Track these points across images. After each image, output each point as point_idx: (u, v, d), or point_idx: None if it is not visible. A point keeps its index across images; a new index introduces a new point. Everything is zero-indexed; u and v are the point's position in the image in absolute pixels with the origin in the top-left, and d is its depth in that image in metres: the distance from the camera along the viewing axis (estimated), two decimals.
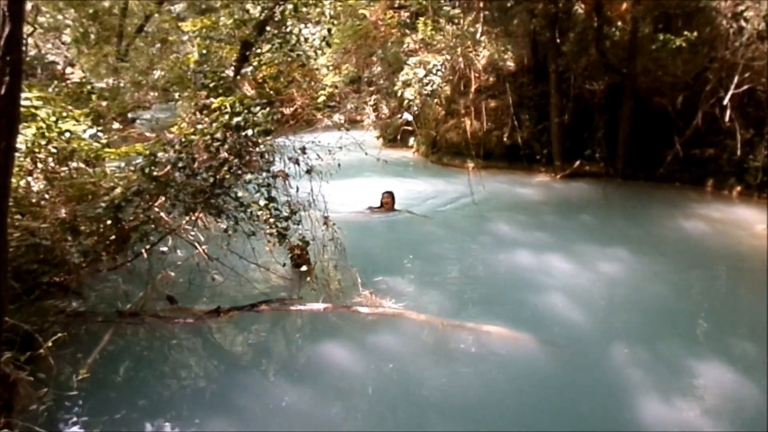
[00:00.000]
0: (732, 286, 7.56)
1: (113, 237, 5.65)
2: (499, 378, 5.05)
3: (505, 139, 13.93)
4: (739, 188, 11.56)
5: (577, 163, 13.23)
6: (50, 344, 4.11)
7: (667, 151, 12.28)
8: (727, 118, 11.13)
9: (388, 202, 10.27)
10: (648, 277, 7.39)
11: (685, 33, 10.81)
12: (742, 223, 9.74)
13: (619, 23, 13.38)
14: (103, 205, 5.41)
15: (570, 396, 4.82)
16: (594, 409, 4.64)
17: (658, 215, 10.35)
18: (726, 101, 10.91)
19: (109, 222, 5.44)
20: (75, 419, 4.28)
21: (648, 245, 8.62)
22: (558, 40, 13.25)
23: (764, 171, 11.10)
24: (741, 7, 10.80)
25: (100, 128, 6.55)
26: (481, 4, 13.22)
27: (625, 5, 12.81)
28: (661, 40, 11.01)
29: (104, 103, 9.24)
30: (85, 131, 6.10)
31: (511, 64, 14.42)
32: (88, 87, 9.46)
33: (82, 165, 6.08)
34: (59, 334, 4.28)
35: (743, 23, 10.63)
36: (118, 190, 5.52)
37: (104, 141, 6.36)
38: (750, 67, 10.78)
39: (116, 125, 8.93)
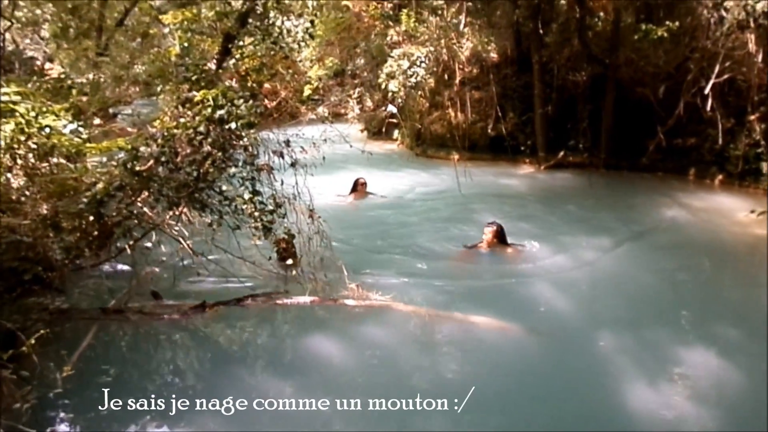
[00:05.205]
0: (715, 274, 7.64)
1: (96, 233, 5.60)
2: (486, 367, 5.07)
3: (489, 130, 13.96)
4: (720, 177, 11.66)
5: (561, 153, 13.25)
6: (33, 342, 4.06)
7: (649, 141, 12.34)
8: (708, 108, 11.21)
9: (496, 235, 7.53)
10: (632, 266, 7.46)
11: (667, 23, 10.86)
12: (724, 211, 9.85)
13: (602, 14, 13.43)
14: (85, 200, 5.36)
15: (557, 383, 4.85)
16: (581, 395, 4.69)
17: (641, 204, 10.41)
18: (707, 91, 10.97)
19: (91, 218, 5.38)
20: (60, 417, 4.24)
21: (632, 234, 8.68)
22: (541, 31, 13.27)
23: (745, 160, 11.20)
24: None
25: (80, 123, 6.48)
26: None
27: None
28: (643, 31, 11.05)
29: (85, 98, 9.13)
30: (65, 126, 6.02)
31: (494, 55, 14.43)
32: (68, 82, 9.35)
33: (62, 161, 6.01)
34: (42, 332, 4.24)
35: (724, 13, 10.68)
36: (100, 186, 5.46)
37: (85, 136, 6.28)
38: (730, 57, 10.84)
39: (97, 120, 8.83)
